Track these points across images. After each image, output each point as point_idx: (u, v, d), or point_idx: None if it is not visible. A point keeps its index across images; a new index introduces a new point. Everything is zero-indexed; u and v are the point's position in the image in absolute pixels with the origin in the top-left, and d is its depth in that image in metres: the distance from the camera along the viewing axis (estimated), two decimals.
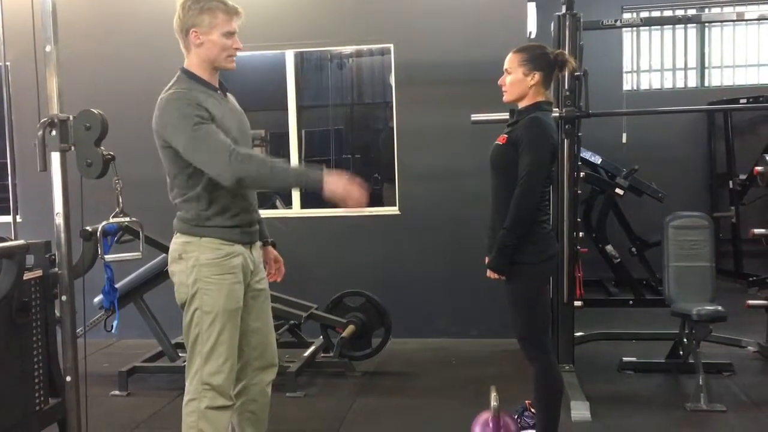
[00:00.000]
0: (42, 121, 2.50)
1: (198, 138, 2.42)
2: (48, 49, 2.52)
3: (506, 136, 2.99)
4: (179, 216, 2.64)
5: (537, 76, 2.96)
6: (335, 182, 2.40)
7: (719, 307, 3.97)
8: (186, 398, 2.61)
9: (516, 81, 2.98)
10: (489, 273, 2.96)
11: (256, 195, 2.77)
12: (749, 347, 4.76)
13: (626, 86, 7.58)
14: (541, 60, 2.97)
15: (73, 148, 2.54)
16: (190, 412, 2.58)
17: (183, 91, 2.52)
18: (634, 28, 7.50)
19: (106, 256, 2.95)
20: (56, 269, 2.60)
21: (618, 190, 5.52)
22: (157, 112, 2.54)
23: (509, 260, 2.90)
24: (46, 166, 2.51)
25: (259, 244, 2.80)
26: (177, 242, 2.64)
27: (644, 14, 7.57)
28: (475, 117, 4.30)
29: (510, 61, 3.02)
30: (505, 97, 3.05)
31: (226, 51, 2.59)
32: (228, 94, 2.77)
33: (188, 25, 2.58)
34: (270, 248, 2.95)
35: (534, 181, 2.86)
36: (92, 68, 5.59)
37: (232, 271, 2.59)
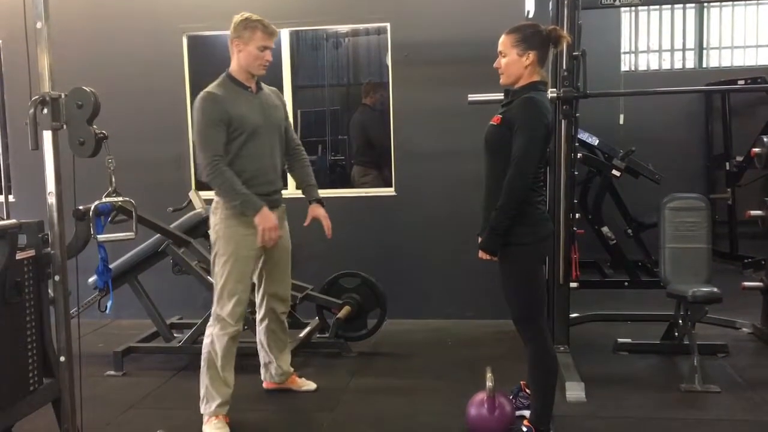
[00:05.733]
0: (33, 99, 2.47)
1: (200, 137, 3.27)
2: (39, 25, 2.48)
3: (501, 116, 2.97)
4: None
5: (531, 55, 2.93)
6: (262, 219, 3.26)
7: (715, 289, 3.98)
8: (208, 324, 3.45)
9: (511, 62, 2.96)
10: (480, 253, 2.96)
11: (278, 171, 3.49)
12: (744, 329, 4.78)
13: (624, 67, 7.53)
14: (535, 39, 2.94)
15: (65, 126, 2.51)
16: (206, 335, 3.43)
17: (213, 93, 3.28)
18: (633, 8, 7.45)
19: (99, 236, 2.94)
20: (49, 249, 2.58)
21: (615, 172, 5.48)
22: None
23: (501, 241, 2.90)
24: (37, 144, 2.48)
25: (283, 206, 3.57)
26: (213, 201, 3.42)
27: None
28: (472, 97, 4.27)
29: (503, 42, 2.99)
30: (502, 80, 3.03)
31: (258, 60, 3.32)
32: (266, 90, 3.50)
33: (233, 36, 3.32)
34: (313, 206, 3.65)
35: (527, 162, 2.85)
36: (84, 45, 5.54)
37: (245, 224, 3.31)
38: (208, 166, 3.23)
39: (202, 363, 3.44)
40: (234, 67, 3.37)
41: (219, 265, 3.37)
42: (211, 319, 3.45)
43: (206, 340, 3.44)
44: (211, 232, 3.43)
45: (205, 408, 3.41)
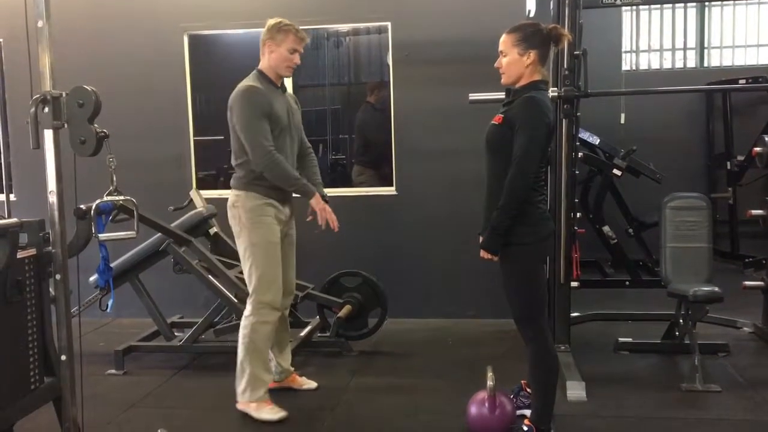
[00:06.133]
0: (34, 98, 2.47)
1: (249, 130, 3.38)
2: (40, 24, 2.49)
3: (502, 116, 2.96)
4: (234, 176, 3.56)
5: (533, 54, 2.93)
6: (317, 202, 3.50)
7: (715, 288, 3.97)
8: (244, 317, 3.55)
9: (512, 62, 2.95)
10: (482, 253, 2.96)
11: (294, 168, 3.59)
12: (745, 328, 4.78)
13: (625, 66, 7.52)
14: (535, 38, 2.94)
15: (66, 125, 2.52)
16: (244, 326, 3.53)
17: (256, 87, 3.43)
18: (634, 7, 7.43)
19: (100, 235, 2.94)
20: (50, 248, 2.59)
21: (616, 171, 5.49)
22: (231, 97, 3.44)
23: (502, 240, 2.90)
24: (38, 143, 2.48)
25: (293, 202, 3.69)
26: (231, 195, 3.56)
27: None
28: (473, 96, 4.26)
29: (504, 42, 2.99)
30: (504, 80, 3.03)
31: (287, 62, 3.52)
32: (287, 94, 3.69)
33: (266, 38, 3.51)
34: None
35: (528, 162, 2.84)
36: (86, 44, 5.54)
37: (269, 214, 3.51)
38: (265, 156, 3.37)
39: (243, 353, 3.53)
40: (264, 66, 3.54)
41: (251, 254, 3.48)
42: (250, 308, 3.53)
43: (245, 331, 3.52)
44: (234, 224, 3.52)
45: (252, 395, 3.53)
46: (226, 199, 3.64)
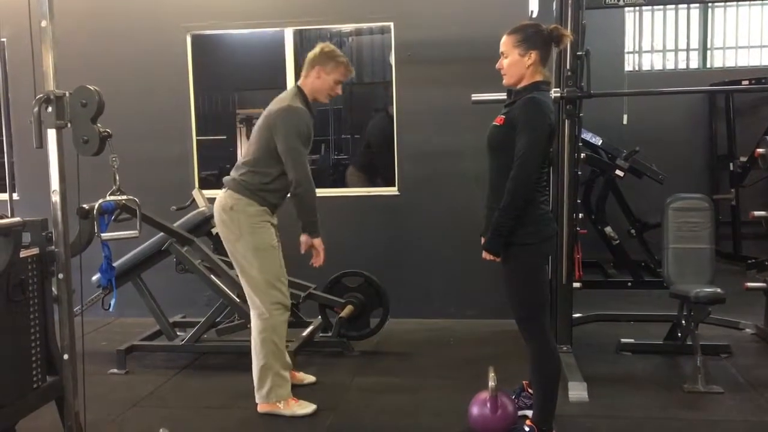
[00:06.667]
0: (38, 97, 2.48)
1: (296, 151, 3.46)
2: (44, 24, 2.50)
3: (504, 116, 2.97)
4: (238, 178, 3.55)
5: (533, 55, 2.93)
6: (321, 242, 3.60)
7: (718, 289, 3.97)
8: (257, 321, 3.53)
9: (513, 63, 2.96)
10: (484, 254, 2.96)
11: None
12: (747, 329, 4.77)
13: (628, 67, 7.52)
14: (536, 38, 2.94)
15: (69, 125, 2.52)
16: (262, 329, 3.53)
17: (304, 109, 3.52)
18: (637, 8, 7.43)
19: (102, 234, 2.95)
20: (53, 247, 2.59)
21: (618, 172, 5.49)
22: (277, 111, 3.49)
23: (505, 241, 2.89)
24: (42, 143, 2.49)
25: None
26: (226, 196, 3.55)
27: None
28: (475, 97, 4.26)
29: (505, 43, 2.99)
30: (505, 81, 3.03)
31: (329, 90, 3.61)
32: None
33: (318, 63, 3.56)
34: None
35: (530, 162, 2.84)
36: (89, 44, 5.55)
37: (268, 220, 3.57)
38: (306, 181, 3.47)
39: (263, 356, 3.54)
40: (307, 88, 3.60)
41: (256, 257, 3.50)
42: (264, 312, 3.52)
43: (264, 334, 3.53)
44: (233, 228, 3.52)
45: (279, 395, 3.57)
46: None
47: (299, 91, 3.60)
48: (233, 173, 3.64)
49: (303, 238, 3.62)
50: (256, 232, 3.51)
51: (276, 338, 3.55)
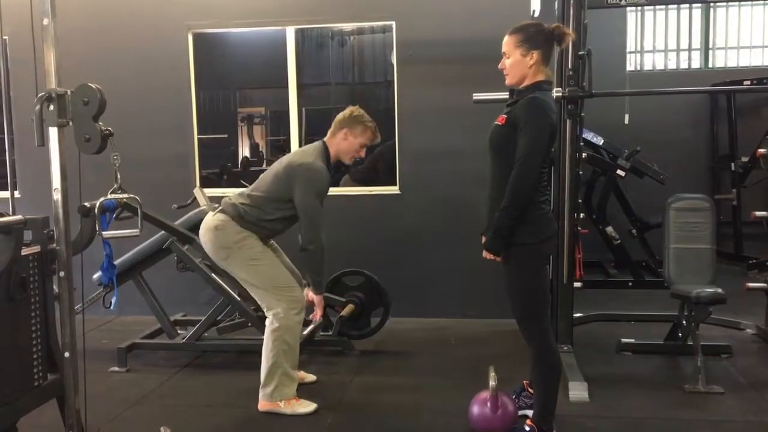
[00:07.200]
0: (39, 95, 2.47)
1: (313, 209, 3.56)
2: (45, 22, 2.49)
3: (505, 116, 2.96)
4: (239, 206, 3.61)
5: (535, 55, 2.92)
6: (320, 300, 3.73)
7: (719, 290, 3.97)
8: (272, 320, 3.55)
9: (515, 63, 2.95)
10: (485, 254, 2.96)
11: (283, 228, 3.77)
12: (748, 330, 4.77)
13: (629, 67, 7.52)
14: (538, 38, 2.93)
15: (71, 123, 2.52)
16: (276, 327, 3.54)
17: (325, 168, 3.61)
18: (639, 8, 7.44)
19: (104, 233, 2.95)
20: (54, 245, 2.59)
21: (619, 172, 5.49)
22: (300, 165, 3.58)
23: (506, 241, 2.89)
24: (43, 141, 2.49)
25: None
26: (216, 219, 3.61)
27: None
28: (477, 96, 4.26)
29: (506, 43, 2.98)
30: (508, 81, 3.03)
31: (354, 153, 3.73)
32: None
33: (347, 126, 3.69)
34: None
35: (531, 162, 2.84)
36: (91, 42, 5.55)
37: (259, 242, 3.65)
38: (318, 240, 3.55)
39: (273, 353, 3.55)
40: (333, 147, 3.71)
41: (254, 266, 3.58)
42: (280, 311, 3.54)
43: (278, 333, 3.54)
44: (220, 248, 3.60)
45: (283, 394, 3.58)
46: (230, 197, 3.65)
47: (325, 148, 3.69)
48: (235, 199, 3.69)
49: (306, 291, 3.76)
50: (244, 246, 3.57)
51: (289, 337, 3.56)
